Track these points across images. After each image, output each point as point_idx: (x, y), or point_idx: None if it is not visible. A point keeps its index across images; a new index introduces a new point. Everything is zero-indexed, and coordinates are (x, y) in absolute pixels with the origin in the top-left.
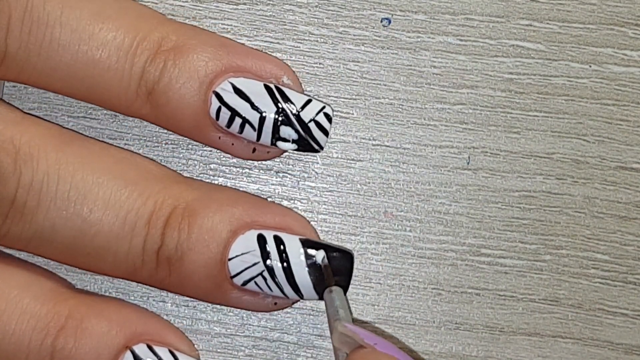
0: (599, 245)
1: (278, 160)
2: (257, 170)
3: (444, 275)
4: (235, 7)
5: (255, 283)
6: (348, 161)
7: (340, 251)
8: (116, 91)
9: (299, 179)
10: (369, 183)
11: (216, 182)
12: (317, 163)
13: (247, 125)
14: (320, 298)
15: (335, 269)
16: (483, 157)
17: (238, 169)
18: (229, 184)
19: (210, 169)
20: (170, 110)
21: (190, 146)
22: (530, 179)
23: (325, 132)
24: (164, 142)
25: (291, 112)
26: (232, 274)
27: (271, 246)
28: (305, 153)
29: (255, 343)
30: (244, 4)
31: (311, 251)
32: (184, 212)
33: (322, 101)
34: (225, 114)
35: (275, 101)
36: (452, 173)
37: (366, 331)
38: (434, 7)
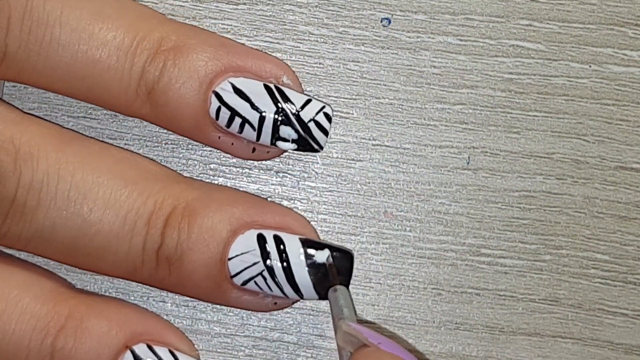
0: (599, 245)
1: (278, 160)
2: (257, 170)
3: (444, 275)
4: (235, 7)
5: (255, 283)
6: (348, 161)
7: (341, 251)
8: (116, 91)
9: (299, 179)
10: (369, 183)
11: (216, 182)
12: (317, 163)
13: (246, 125)
14: (320, 298)
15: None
16: (483, 157)
17: (238, 169)
18: (229, 184)
19: (210, 169)
20: (170, 110)
21: (190, 146)
22: (530, 179)
23: (325, 132)
24: (164, 142)
25: (291, 112)
26: (232, 273)
27: (271, 246)
28: (305, 153)
29: (255, 343)
30: (244, 4)
31: (311, 251)
32: (184, 211)
33: (322, 101)
34: (225, 113)
35: (275, 101)
36: (452, 173)
37: (370, 330)
38: (434, 7)
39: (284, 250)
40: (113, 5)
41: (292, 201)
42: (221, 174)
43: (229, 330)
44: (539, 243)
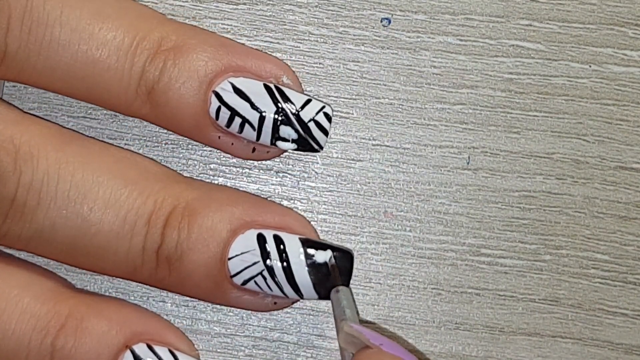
0: (599, 245)
1: (278, 160)
2: (257, 170)
3: (444, 275)
4: (235, 7)
5: (255, 282)
6: (348, 161)
7: (341, 251)
8: (116, 91)
9: (299, 179)
10: (369, 183)
11: (216, 182)
12: (317, 163)
13: (246, 125)
14: (320, 298)
15: None
16: (483, 157)
17: (238, 169)
18: (229, 184)
19: (210, 169)
20: (170, 109)
21: (190, 146)
22: (530, 179)
23: (325, 132)
24: (164, 142)
25: (291, 111)
26: (232, 273)
27: (271, 246)
28: (305, 153)
29: (255, 343)
30: (244, 4)
31: (311, 251)
32: (184, 211)
33: (322, 101)
34: (225, 113)
35: (275, 101)
36: (452, 173)
37: (372, 331)
38: (434, 7)
39: (284, 250)
40: (113, 5)
41: (292, 201)
42: (221, 174)
43: (229, 330)
44: (539, 243)
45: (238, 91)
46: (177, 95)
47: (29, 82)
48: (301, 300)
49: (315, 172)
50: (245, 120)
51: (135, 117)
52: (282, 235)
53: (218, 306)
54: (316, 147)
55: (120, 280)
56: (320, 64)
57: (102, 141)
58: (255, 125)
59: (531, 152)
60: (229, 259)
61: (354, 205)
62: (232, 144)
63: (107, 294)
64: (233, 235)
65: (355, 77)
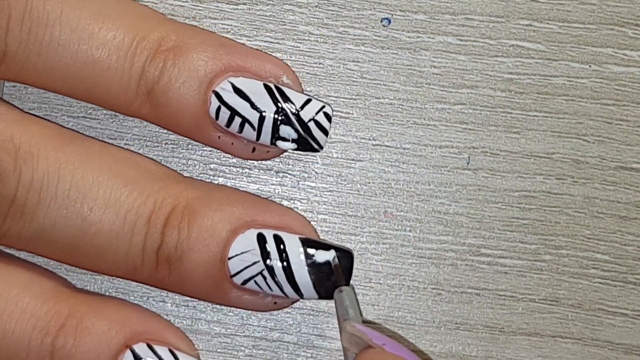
0: (599, 245)
1: (278, 160)
2: (257, 170)
3: (444, 275)
4: (235, 7)
5: (255, 282)
6: (348, 161)
7: (341, 251)
8: (116, 91)
9: (299, 179)
10: (369, 183)
11: (216, 182)
12: (317, 163)
13: (246, 125)
14: (320, 297)
15: None
16: (483, 157)
17: (238, 169)
18: (229, 184)
19: (210, 169)
20: (170, 109)
21: (190, 146)
22: (530, 179)
23: (325, 132)
24: (164, 142)
25: (291, 111)
26: (232, 273)
27: (271, 245)
28: (305, 153)
29: (255, 343)
30: (244, 4)
31: (311, 250)
32: (184, 211)
33: (322, 101)
34: (224, 113)
35: (275, 101)
36: (452, 173)
37: (375, 331)
38: (434, 7)
39: (284, 250)
40: (113, 5)
41: (292, 201)
42: (221, 174)
43: (229, 330)
44: (539, 243)
45: (238, 91)
46: (177, 95)
47: (29, 82)
48: (301, 300)
49: (315, 172)
50: (245, 120)
51: (135, 117)
52: (282, 235)
53: (218, 306)
54: (316, 147)
55: (120, 280)
56: (320, 64)
57: (102, 141)
58: (255, 125)
59: (531, 152)
60: (229, 258)
61: (354, 205)
62: (232, 143)
63: (107, 294)
64: (233, 235)
65: (355, 77)
